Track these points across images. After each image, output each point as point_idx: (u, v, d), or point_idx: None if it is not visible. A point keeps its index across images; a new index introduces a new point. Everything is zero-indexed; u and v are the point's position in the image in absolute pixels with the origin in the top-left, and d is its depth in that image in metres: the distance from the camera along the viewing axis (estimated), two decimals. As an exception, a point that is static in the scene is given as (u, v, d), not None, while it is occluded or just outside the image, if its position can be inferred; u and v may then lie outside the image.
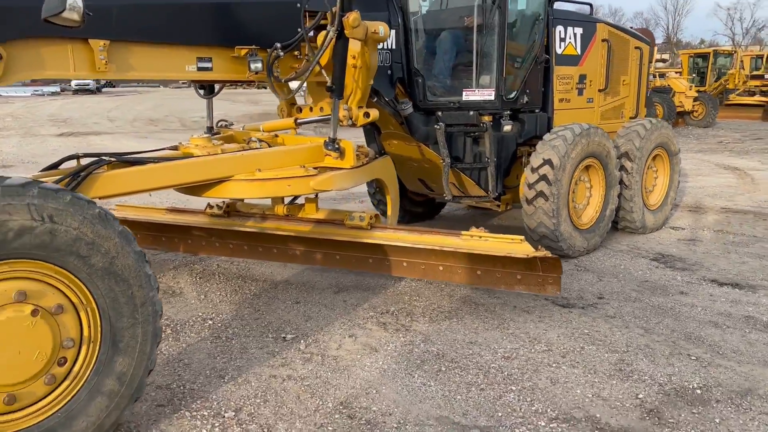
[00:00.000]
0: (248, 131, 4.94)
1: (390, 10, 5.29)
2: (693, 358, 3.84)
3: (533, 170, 5.70)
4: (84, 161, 4.04)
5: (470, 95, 5.65)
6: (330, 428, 3.08)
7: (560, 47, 6.39)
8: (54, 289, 2.64)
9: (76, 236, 2.61)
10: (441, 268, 4.59)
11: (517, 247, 4.23)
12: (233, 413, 3.22)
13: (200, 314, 4.54)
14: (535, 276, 4.25)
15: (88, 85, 55.98)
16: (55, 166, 4.02)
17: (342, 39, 4.27)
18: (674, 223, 7.47)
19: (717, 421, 3.15)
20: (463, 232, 4.44)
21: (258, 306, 4.76)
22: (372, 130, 6.10)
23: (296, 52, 4.60)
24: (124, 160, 3.87)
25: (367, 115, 4.78)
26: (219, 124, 5.18)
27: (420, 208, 7.45)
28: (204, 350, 3.96)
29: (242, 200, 5.37)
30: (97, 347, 2.77)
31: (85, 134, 19.11)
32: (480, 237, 4.37)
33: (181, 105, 35.81)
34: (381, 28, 4.40)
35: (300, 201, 5.21)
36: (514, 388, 3.46)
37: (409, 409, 3.25)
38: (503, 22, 5.52)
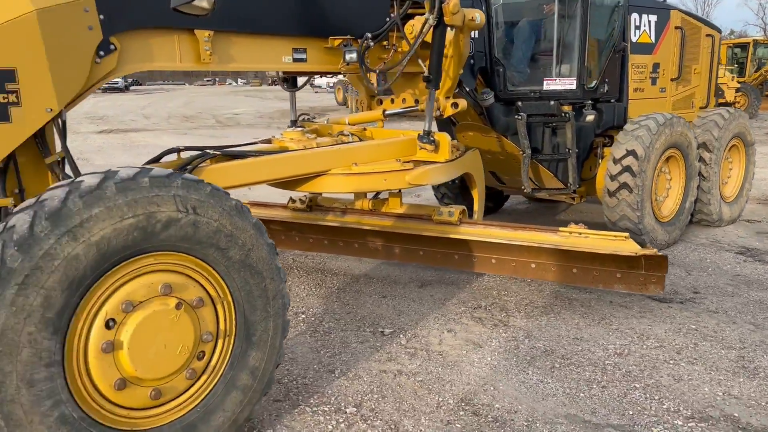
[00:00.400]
0: (332, 124, 4.87)
1: (473, -2, 5.19)
2: (813, 354, 3.70)
3: (616, 161, 5.56)
4: (184, 155, 4.02)
5: (551, 84, 5.52)
6: (458, 425, 3.00)
7: (635, 35, 6.23)
8: (194, 282, 2.59)
9: (217, 228, 2.56)
10: (533, 265, 4.48)
11: (621, 244, 4.10)
12: (354, 409, 3.15)
13: (291, 308, 4.49)
14: (636, 275, 4.11)
15: (117, 83, 56.77)
16: (156, 160, 3.99)
17: (440, 26, 4.17)
18: (747, 215, 7.26)
19: None
20: (560, 229, 4.33)
21: (346, 300, 4.69)
22: (447, 122, 5.99)
23: (384, 42, 4.51)
24: (227, 154, 3.82)
25: (455, 105, 4.69)
26: (301, 118, 5.12)
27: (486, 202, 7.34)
28: (305, 344, 3.90)
29: (321, 194, 5.31)
30: (232, 341, 2.72)
31: (125, 131, 19.28)
32: (579, 234, 4.25)
33: (211, 102, 36.12)
34: (477, 15, 4.30)
35: (383, 195, 5.13)
36: (637, 386, 3.35)
37: (534, 406, 3.16)
38: (585, 9, 5.38)
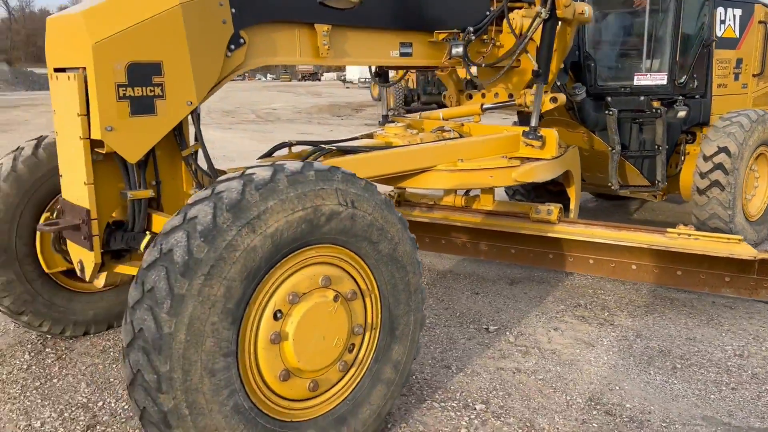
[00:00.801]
0: (425, 120, 4.84)
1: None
2: None
3: (706, 158, 5.45)
4: (294, 149, 4.05)
5: (642, 80, 5.44)
6: (594, 424, 2.96)
7: (720, 29, 6.10)
8: (348, 275, 2.59)
9: (370, 222, 2.55)
10: (634, 266, 4.42)
11: (736, 247, 4.01)
12: (482, 405, 3.13)
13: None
14: (747, 279, 4.03)
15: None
16: (269, 154, 4.01)
17: (551, 20, 4.12)
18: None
19: None
20: (668, 230, 4.25)
21: (439, 296, 4.68)
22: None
23: (484, 36, 4.48)
24: (342, 149, 3.82)
25: (554, 100, 4.62)
26: (391, 113, 5.11)
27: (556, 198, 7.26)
28: (414, 340, 3.88)
29: (405, 189, 5.30)
30: (377, 334, 2.72)
31: (170, 125, 19.44)
32: (689, 235, 4.17)
33: (247, 97, 36.33)
34: (586, 8, 4.24)
35: (473, 192, 5.10)
36: (768, 388, 3.28)
37: (666, 407, 3.11)
38: (679, 3, 5.28)
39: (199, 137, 3.10)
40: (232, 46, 3.16)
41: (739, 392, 3.24)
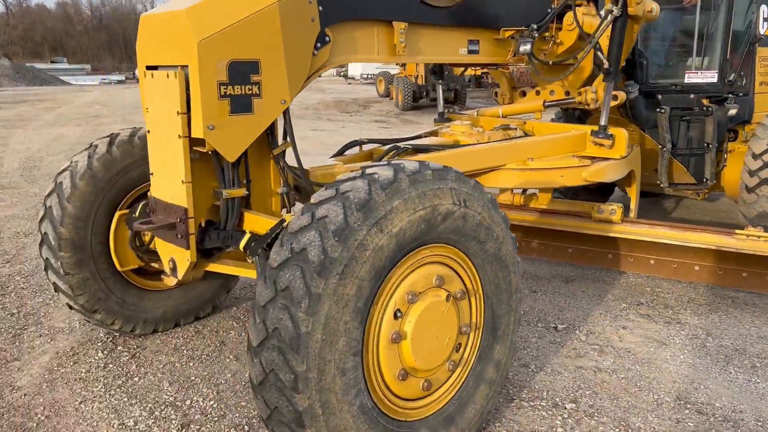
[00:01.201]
0: (483, 117, 4.83)
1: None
2: None
3: (756, 156, 5.44)
4: (364, 148, 4.04)
5: (693, 77, 5.43)
6: (690, 424, 2.97)
7: (763, 27, 6.10)
8: (456, 274, 2.59)
9: (479, 221, 2.55)
10: (697, 268, 4.42)
11: None
12: (573, 405, 3.14)
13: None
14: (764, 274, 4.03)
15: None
16: (340, 153, 4.00)
17: (623, 17, 4.11)
18: None
19: None
20: (737, 231, 4.25)
21: (498, 294, 4.66)
22: (578, 115, 5.92)
23: (546, 34, 4.47)
24: (417, 148, 3.80)
25: (614, 98, 4.62)
26: (447, 110, 5.10)
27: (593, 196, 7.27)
28: (485, 338, 3.88)
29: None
30: (481, 334, 2.72)
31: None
32: (758, 237, 4.17)
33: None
34: (654, 6, 4.24)
35: (530, 190, 5.09)
36: None
37: (756, 406, 3.12)
38: (730, 1, 5.28)
39: (290, 136, 3.08)
40: (318, 44, 3.15)
41: (825, 391, 3.25)
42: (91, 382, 3.39)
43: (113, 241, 3.70)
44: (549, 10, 4.35)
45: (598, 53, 4.24)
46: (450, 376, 2.64)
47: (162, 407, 3.13)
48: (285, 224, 2.76)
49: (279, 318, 2.09)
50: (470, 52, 4.10)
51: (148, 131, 3.05)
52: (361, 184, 2.25)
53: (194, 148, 2.84)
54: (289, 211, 3.29)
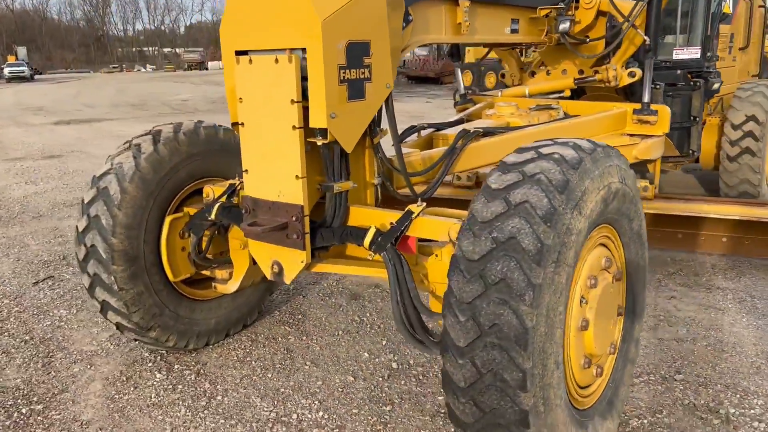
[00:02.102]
0: (509, 97, 4.78)
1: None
2: None
3: (736, 127, 5.79)
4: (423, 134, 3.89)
5: (680, 54, 5.66)
6: (795, 381, 3.09)
7: (723, 4, 6.48)
8: (611, 254, 2.52)
9: (632, 198, 2.50)
10: (725, 239, 4.48)
11: None
12: (681, 376, 3.17)
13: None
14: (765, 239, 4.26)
15: (23, 72, 53.10)
16: (400, 140, 3.81)
17: (658, -6, 4.19)
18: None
19: None
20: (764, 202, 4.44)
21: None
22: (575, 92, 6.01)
23: (569, 13, 4.47)
24: (485, 131, 3.67)
25: (632, 74, 4.72)
26: (468, 92, 5.01)
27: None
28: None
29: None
30: (624, 314, 2.68)
31: (85, 122, 18.04)
32: None
33: (146, 89, 34.42)
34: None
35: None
36: None
37: (838, 358, 3.30)
38: (711, -20, 5.55)
39: (391, 122, 2.88)
40: (404, 24, 2.97)
41: None
42: (169, 407, 3.05)
43: (165, 249, 3.35)
44: (571, -12, 4.36)
45: (638, 31, 4.31)
46: (608, 360, 2.59)
47: (269, 425, 2.87)
48: (414, 216, 2.60)
49: (498, 313, 1.94)
50: (513, 31, 4.04)
51: (242, 124, 2.73)
52: (550, 165, 2.13)
53: (308, 139, 2.58)
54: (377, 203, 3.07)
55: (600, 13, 4.56)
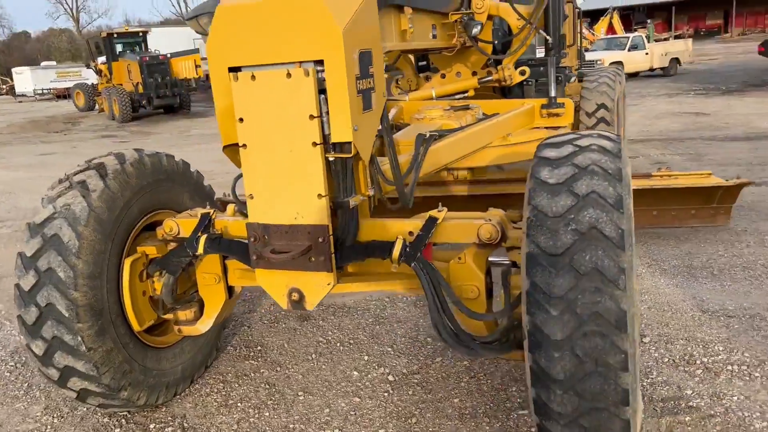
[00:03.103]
0: (417, 101, 4.89)
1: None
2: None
3: (589, 115, 6.48)
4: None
5: (541, 52, 6.22)
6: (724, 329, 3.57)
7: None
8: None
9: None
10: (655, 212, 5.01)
11: (710, 179, 4.90)
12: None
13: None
14: (708, 209, 4.97)
15: None
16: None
17: (555, -1, 4.55)
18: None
19: None
20: (653, 173, 5.02)
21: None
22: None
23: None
24: (440, 134, 3.69)
25: (523, 72, 5.10)
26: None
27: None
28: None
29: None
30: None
31: None
32: (670, 176, 4.97)
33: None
34: (567, -12, 4.76)
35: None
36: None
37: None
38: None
39: (387, 132, 2.83)
40: (376, 33, 2.95)
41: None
42: (176, 471, 2.70)
43: (129, 296, 2.96)
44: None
45: (542, 32, 4.65)
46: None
47: (303, 465, 2.67)
48: (439, 222, 2.59)
49: (595, 302, 2.02)
50: (433, 36, 4.16)
51: (244, 146, 2.50)
52: (598, 157, 2.25)
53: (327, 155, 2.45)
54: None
55: (488, 17, 4.86)
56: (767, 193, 6.28)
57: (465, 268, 2.64)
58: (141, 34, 24.82)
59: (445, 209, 2.65)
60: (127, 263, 2.96)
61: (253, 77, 2.42)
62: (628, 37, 23.01)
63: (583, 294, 2.03)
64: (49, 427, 3.13)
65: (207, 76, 27.05)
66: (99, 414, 3.17)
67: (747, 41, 38.11)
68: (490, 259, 2.70)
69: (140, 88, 21.52)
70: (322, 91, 2.37)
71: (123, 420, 3.12)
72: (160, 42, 27.80)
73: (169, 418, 3.11)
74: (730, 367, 3.13)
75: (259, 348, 3.78)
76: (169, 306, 3.07)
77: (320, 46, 2.31)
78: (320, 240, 2.48)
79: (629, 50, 21.97)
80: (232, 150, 2.62)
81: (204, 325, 3.16)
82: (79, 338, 2.72)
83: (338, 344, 3.74)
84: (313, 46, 2.32)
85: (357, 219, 2.67)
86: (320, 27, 2.29)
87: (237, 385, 3.37)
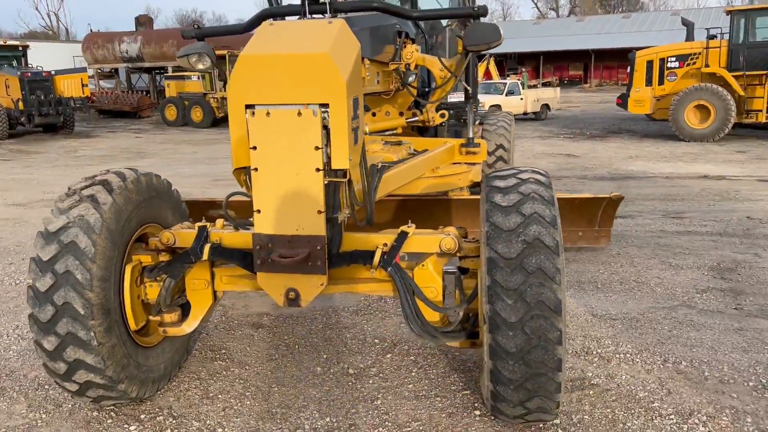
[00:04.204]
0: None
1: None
2: (684, 253, 6.21)
3: (490, 153, 7.46)
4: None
5: (452, 98, 7.08)
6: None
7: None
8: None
9: (549, 208, 3.52)
10: None
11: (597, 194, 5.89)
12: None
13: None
14: (592, 231, 5.96)
15: None
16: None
17: (473, 55, 5.38)
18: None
19: None
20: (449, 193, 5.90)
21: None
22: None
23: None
24: (386, 166, 4.34)
25: (443, 116, 5.91)
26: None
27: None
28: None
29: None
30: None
31: None
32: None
33: None
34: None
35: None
36: (652, 284, 5.29)
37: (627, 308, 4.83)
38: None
39: (364, 164, 3.44)
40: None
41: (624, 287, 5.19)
42: (180, 449, 3.11)
43: (129, 299, 3.35)
44: (396, 47, 5.35)
45: (462, 82, 5.46)
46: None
47: (292, 438, 3.17)
48: (410, 235, 3.23)
49: (540, 293, 2.74)
50: (377, 82, 4.84)
51: (255, 169, 3.02)
52: (537, 187, 3.01)
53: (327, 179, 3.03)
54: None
55: (415, 67, 5.62)
56: (632, 224, 7.51)
57: (427, 273, 3.30)
58: (21, 48, 23.73)
59: (414, 225, 3.31)
60: (128, 269, 3.35)
61: (268, 113, 2.96)
62: (506, 83, 25.09)
63: (530, 287, 2.75)
64: (39, 421, 3.39)
65: (90, 97, 26.31)
66: (87, 408, 3.47)
67: (603, 92, 42.54)
68: (444, 267, 3.37)
69: (20, 105, 20.54)
70: (324, 127, 2.96)
71: (112, 413, 3.44)
72: (38, 58, 26.63)
73: (157, 409, 3.47)
74: (618, 356, 4.00)
75: (223, 351, 4.20)
76: (166, 306, 3.47)
77: (327, 93, 2.91)
78: (318, 248, 3.04)
79: (506, 95, 23.96)
80: (239, 172, 3.14)
81: (189, 326, 3.57)
82: (92, 333, 3.07)
83: (296, 346, 4.25)
84: (321, 92, 2.91)
85: (341, 232, 3.26)
86: (328, 78, 2.89)
87: (213, 381, 3.78)
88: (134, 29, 33.90)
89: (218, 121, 25.40)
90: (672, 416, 3.28)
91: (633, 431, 3.16)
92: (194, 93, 25.82)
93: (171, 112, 26.17)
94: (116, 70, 34.16)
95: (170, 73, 29.81)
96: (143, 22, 34.55)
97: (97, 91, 31.68)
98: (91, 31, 35.35)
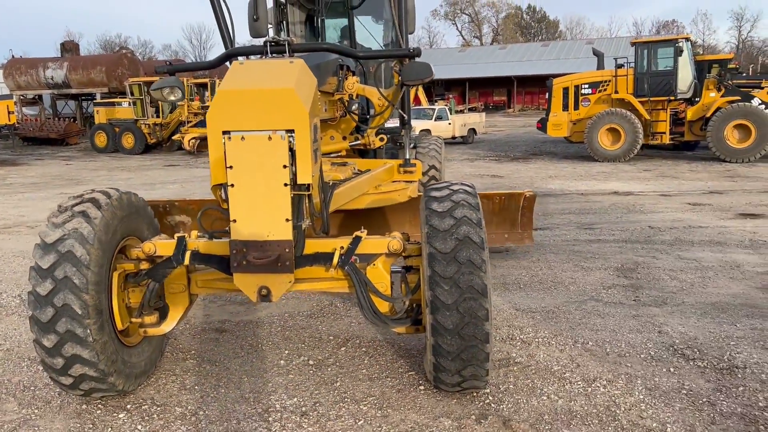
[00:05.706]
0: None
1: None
2: (594, 257, 7.09)
3: (424, 173, 8.21)
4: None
5: (389, 124, 7.81)
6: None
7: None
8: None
9: (476, 215, 4.23)
10: None
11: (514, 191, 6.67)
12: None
13: (323, 302, 5.69)
14: (516, 233, 6.76)
15: None
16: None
17: (406, 86, 6.09)
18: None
19: (647, 274, 6.42)
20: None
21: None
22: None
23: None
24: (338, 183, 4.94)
25: (382, 139, 6.60)
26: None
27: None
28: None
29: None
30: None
31: None
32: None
33: None
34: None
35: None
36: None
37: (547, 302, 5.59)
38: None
39: (321, 180, 4.05)
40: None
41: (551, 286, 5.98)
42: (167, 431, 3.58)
43: (117, 302, 3.82)
44: (339, 78, 6.02)
45: (398, 110, 6.15)
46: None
47: (254, 418, 3.69)
48: (363, 239, 3.85)
49: (470, 279, 3.41)
50: (325, 110, 5.47)
51: (232, 185, 3.56)
52: (465, 196, 3.70)
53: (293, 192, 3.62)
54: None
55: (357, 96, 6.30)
56: (550, 235, 8.39)
57: (377, 271, 3.92)
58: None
59: (366, 231, 3.93)
60: (115, 276, 3.83)
61: (242, 138, 3.53)
62: (434, 109, 26.24)
63: (462, 275, 3.42)
64: (33, 415, 3.78)
65: (15, 125, 25.77)
66: (76, 402, 3.88)
67: (526, 116, 44.79)
68: (391, 267, 4.00)
69: None
70: (290, 149, 3.56)
71: (100, 405, 3.87)
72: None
73: (141, 400, 3.93)
74: (537, 340, 4.72)
75: (192, 351, 4.67)
76: (150, 307, 3.94)
77: (293, 120, 3.51)
78: (286, 251, 3.61)
79: (435, 120, 25.09)
80: (216, 188, 3.69)
81: (168, 326, 4.06)
82: (88, 331, 3.53)
83: (259, 345, 4.77)
84: (288, 120, 3.51)
85: (304, 237, 3.85)
86: (294, 108, 3.49)
87: (187, 376, 4.26)
88: (59, 55, 33.32)
89: (150, 147, 25.36)
90: (579, 382, 4.00)
91: (548, 395, 3.86)
92: (125, 119, 25.73)
93: (101, 139, 25.94)
94: (40, 96, 33.46)
95: (99, 100, 29.51)
96: (69, 48, 34.07)
97: (20, 118, 30.93)
98: (13, 56, 34.51)
